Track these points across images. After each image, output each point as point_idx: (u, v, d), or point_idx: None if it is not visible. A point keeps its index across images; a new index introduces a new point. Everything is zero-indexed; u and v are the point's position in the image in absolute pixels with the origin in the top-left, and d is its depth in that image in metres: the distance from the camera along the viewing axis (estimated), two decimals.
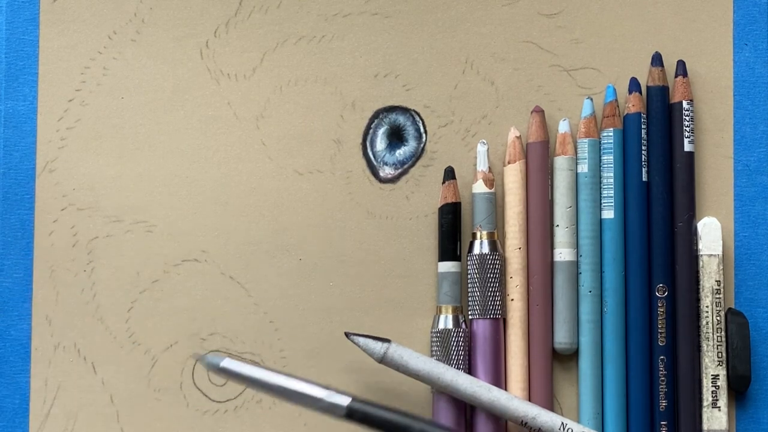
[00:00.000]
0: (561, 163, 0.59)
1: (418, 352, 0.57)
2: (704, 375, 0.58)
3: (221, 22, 0.60)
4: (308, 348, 0.59)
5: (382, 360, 0.56)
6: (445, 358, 0.57)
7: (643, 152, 0.59)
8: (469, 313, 0.58)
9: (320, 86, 0.60)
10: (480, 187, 0.59)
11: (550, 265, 0.59)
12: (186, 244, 0.59)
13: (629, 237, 0.58)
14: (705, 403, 0.58)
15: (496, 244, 0.58)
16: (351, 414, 0.49)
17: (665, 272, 0.58)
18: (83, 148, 0.60)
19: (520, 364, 0.58)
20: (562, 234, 0.58)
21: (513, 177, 0.59)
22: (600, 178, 0.59)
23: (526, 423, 0.56)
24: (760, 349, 0.59)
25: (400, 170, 0.60)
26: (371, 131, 0.60)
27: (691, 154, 0.59)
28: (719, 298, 0.58)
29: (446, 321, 0.58)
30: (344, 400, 0.49)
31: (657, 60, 0.59)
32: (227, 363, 0.50)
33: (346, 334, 0.57)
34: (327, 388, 0.49)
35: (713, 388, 0.58)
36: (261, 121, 0.60)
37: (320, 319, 0.59)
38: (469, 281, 0.58)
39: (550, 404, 0.58)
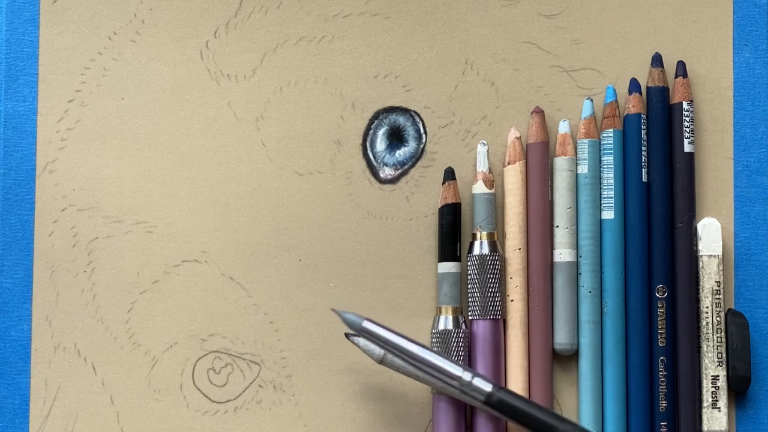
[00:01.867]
0: (561, 163, 0.59)
1: None
2: (704, 376, 0.58)
3: (221, 23, 0.60)
4: (308, 348, 0.59)
5: (382, 361, 0.56)
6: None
7: (643, 153, 0.59)
8: (469, 313, 0.58)
9: (320, 87, 0.60)
10: (480, 188, 0.59)
11: (550, 265, 0.59)
12: (186, 244, 0.59)
13: (629, 238, 0.58)
14: (705, 404, 0.58)
15: (496, 244, 0.58)
16: (490, 401, 0.47)
17: (665, 273, 0.58)
18: (83, 149, 0.60)
19: (520, 365, 0.58)
20: (562, 235, 0.58)
21: (513, 178, 0.59)
22: (600, 178, 0.59)
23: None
24: (760, 349, 0.59)
25: (400, 171, 0.60)
26: (371, 132, 0.60)
27: (691, 155, 0.59)
28: (719, 298, 0.58)
29: (446, 322, 0.58)
30: (487, 386, 0.48)
31: (657, 61, 0.59)
32: (368, 324, 0.50)
33: (347, 335, 0.57)
34: (467, 369, 0.48)
35: (713, 389, 0.58)
36: (261, 122, 0.60)
37: (320, 319, 0.59)
38: (469, 282, 0.58)
39: (550, 405, 0.58)
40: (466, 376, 0.49)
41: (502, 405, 0.49)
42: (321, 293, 0.59)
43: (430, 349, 0.50)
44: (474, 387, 0.49)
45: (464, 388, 0.49)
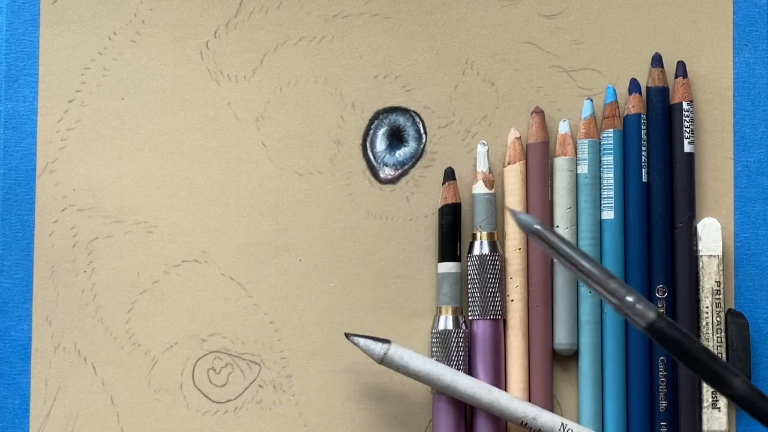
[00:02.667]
0: (561, 163, 0.59)
1: (419, 353, 0.57)
2: None
3: (221, 23, 0.60)
4: (308, 348, 0.59)
5: (382, 361, 0.56)
6: (445, 358, 0.57)
7: (643, 153, 0.59)
8: (469, 313, 0.58)
9: (320, 87, 0.60)
10: (480, 188, 0.59)
11: (550, 265, 0.59)
12: (186, 244, 0.59)
13: (629, 238, 0.58)
14: (705, 404, 0.58)
15: (496, 244, 0.58)
16: (652, 328, 0.44)
17: (665, 273, 0.58)
18: (83, 149, 0.60)
19: (520, 365, 0.58)
20: (562, 234, 0.58)
21: (513, 178, 0.59)
22: (600, 178, 0.59)
23: (526, 423, 0.56)
24: (760, 349, 0.59)
25: (400, 171, 0.60)
26: (371, 132, 0.60)
27: (691, 155, 0.59)
28: (719, 298, 0.58)
29: (446, 322, 0.58)
30: (651, 313, 0.44)
31: (657, 61, 0.59)
32: (539, 227, 0.46)
33: (347, 335, 0.57)
34: (634, 293, 0.44)
35: (713, 389, 0.58)
36: (261, 122, 0.60)
37: (320, 319, 0.59)
38: (469, 282, 0.58)
39: (550, 405, 0.58)
40: (630, 298, 0.45)
41: (662, 336, 0.45)
42: (321, 293, 0.59)
43: (604, 269, 0.46)
44: (637, 311, 0.45)
45: (626, 310, 0.45)
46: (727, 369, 0.45)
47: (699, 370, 0.45)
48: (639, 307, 0.44)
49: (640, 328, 0.45)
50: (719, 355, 0.58)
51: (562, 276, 0.58)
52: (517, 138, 0.59)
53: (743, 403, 0.44)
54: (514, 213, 0.47)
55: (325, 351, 0.59)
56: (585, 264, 0.45)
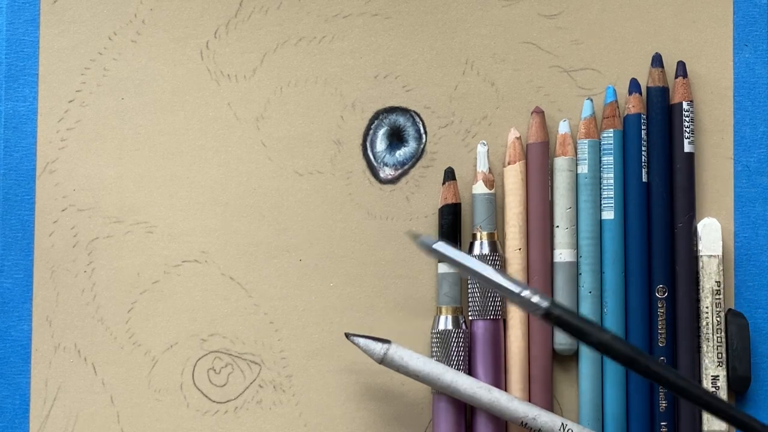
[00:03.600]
0: (561, 163, 0.59)
1: (418, 353, 0.57)
2: (704, 376, 0.58)
3: (221, 23, 0.60)
4: (308, 348, 0.59)
5: (382, 361, 0.56)
6: (445, 358, 0.57)
7: (643, 153, 0.59)
8: (469, 313, 0.58)
9: (320, 87, 0.60)
10: (480, 188, 0.59)
11: (550, 265, 0.59)
12: (186, 244, 0.59)
13: (629, 238, 0.58)
14: None
15: (496, 244, 0.58)
16: (548, 315, 0.51)
17: (665, 273, 0.58)
18: (83, 149, 0.60)
19: (520, 365, 0.58)
20: (562, 235, 0.58)
21: (513, 178, 0.59)
22: (600, 178, 0.59)
23: (526, 424, 0.56)
24: (760, 350, 0.59)
25: (400, 171, 0.60)
26: (371, 132, 0.60)
27: (691, 155, 0.59)
28: (719, 298, 0.58)
29: (446, 322, 0.58)
30: (544, 303, 0.50)
31: (657, 61, 0.59)
32: (439, 246, 0.51)
33: (347, 335, 0.57)
34: (527, 287, 0.51)
35: (713, 389, 0.58)
36: (261, 122, 0.60)
37: (320, 319, 0.59)
38: (469, 282, 0.58)
39: (550, 405, 0.58)
40: (526, 293, 0.51)
41: (559, 321, 0.51)
42: (321, 293, 0.59)
43: (500, 272, 0.52)
44: (533, 304, 0.51)
45: (524, 305, 0.51)
46: (603, 331, 0.50)
47: (589, 342, 0.50)
48: (534, 299, 0.50)
49: (539, 317, 0.50)
50: (720, 355, 0.58)
51: (562, 276, 0.58)
52: (517, 138, 0.59)
53: (611, 353, 0.50)
54: (413, 236, 0.52)
55: (325, 351, 0.59)
56: (485, 272, 0.51)
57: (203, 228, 0.59)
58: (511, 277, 0.52)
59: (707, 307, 0.58)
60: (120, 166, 0.60)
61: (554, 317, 0.51)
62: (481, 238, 0.58)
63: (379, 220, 0.59)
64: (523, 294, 0.51)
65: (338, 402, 0.59)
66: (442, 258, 0.52)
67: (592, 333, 0.51)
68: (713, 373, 0.58)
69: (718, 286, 0.58)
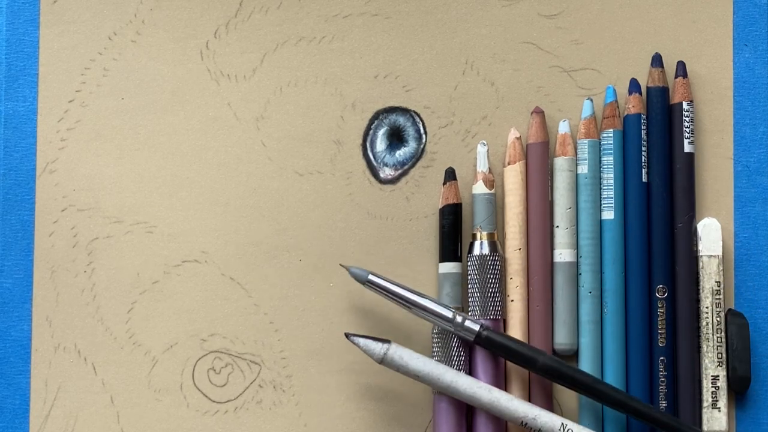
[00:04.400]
0: (561, 163, 0.59)
1: (419, 353, 0.57)
2: (704, 376, 0.58)
3: (221, 23, 0.60)
4: (308, 348, 0.59)
5: (382, 361, 0.56)
6: (446, 358, 0.57)
7: (643, 153, 0.59)
8: (469, 313, 0.58)
9: (320, 87, 0.60)
10: (480, 188, 0.59)
11: (550, 265, 0.59)
12: (186, 244, 0.59)
13: (629, 238, 0.58)
14: (705, 404, 0.58)
15: (496, 245, 0.58)
16: (479, 340, 0.56)
17: (665, 273, 0.58)
18: (83, 149, 0.60)
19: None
20: (562, 235, 0.58)
21: (513, 178, 0.59)
22: (600, 179, 0.59)
23: (526, 424, 0.56)
24: (760, 350, 0.59)
25: (400, 171, 0.60)
26: (371, 132, 0.60)
27: (691, 155, 0.59)
28: (719, 299, 0.58)
29: None
30: (475, 326, 0.56)
31: (657, 61, 0.59)
32: (372, 278, 0.56)
33: (346, 335, 0.57)
34: (460, 313, 0.56)
35: (713, 389, 0.58)
36: (261, 122, 0.60)
37: (320, 319, 0.59)
38: (469, 282, 0.58)
39: (550, 405, 0.58)
40: (458, 318, 0.56)
41: (489, 342, 0.56)
42: (321, 293, 0.59)
43: (432, 299, 0.57)
44: (465, 327, 0.56)
45: (457, 329, 0.56)
46: (532, 349, 0.57)
47: (515, 359, 0.57)
48: (467, 324, 0.56)
49: (471, 339, 0.56)
50: (720, 355, 0.58)
51: (562, 276, 0.58)
52: (517, 138, 0.59)
53: (547, 373, 0.56)
54: (347, 268, 0.57)
55: (325, 351, 0.59)
56: (418, 300, 0.56)
57: (203, 228, 0.59)
58: (444, 303, 0.56)
59: (707, 307, 0.58)
60: (120, 166, 0.60)
61: (484, 338, 0.56)
62: (481, 238, 0.58)
63: (379, 220, 0.59)
64: (456, 319, 0.56)
65: (338, 402, 0.59)
66: (376, 289, 0.56)
67: (522, 353, 0.56)
68: (713, 373, 0.58)
69: (718, 286, 0.58)
